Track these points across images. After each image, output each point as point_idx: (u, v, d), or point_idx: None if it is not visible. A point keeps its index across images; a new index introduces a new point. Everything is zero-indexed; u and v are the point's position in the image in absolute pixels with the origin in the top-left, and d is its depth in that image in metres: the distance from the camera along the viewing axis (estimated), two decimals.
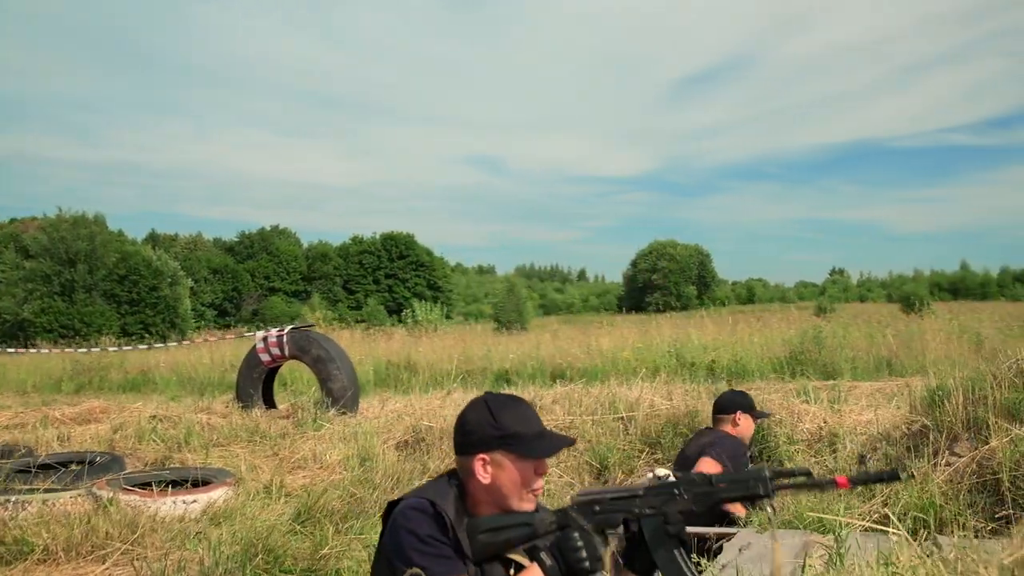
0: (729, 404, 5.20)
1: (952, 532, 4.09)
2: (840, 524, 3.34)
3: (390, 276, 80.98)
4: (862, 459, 2.41)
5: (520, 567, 2.45)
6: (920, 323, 16.42)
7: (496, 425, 2.45)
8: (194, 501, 5.32)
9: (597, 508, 2.42)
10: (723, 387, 8.17)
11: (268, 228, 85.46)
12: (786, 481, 2.37)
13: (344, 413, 8.40)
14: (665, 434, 6.91)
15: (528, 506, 2.48)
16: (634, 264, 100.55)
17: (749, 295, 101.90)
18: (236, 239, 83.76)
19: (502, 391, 3.01)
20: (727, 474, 2.43)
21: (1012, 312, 20.36)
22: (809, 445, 6.20)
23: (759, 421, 5.36)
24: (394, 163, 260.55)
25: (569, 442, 2.56)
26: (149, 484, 5.71)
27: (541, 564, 2.33)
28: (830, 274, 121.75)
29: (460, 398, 9.24)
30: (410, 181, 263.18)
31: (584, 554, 2.32)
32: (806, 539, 4.21)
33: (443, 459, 6.43)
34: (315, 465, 6.35)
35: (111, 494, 5.25)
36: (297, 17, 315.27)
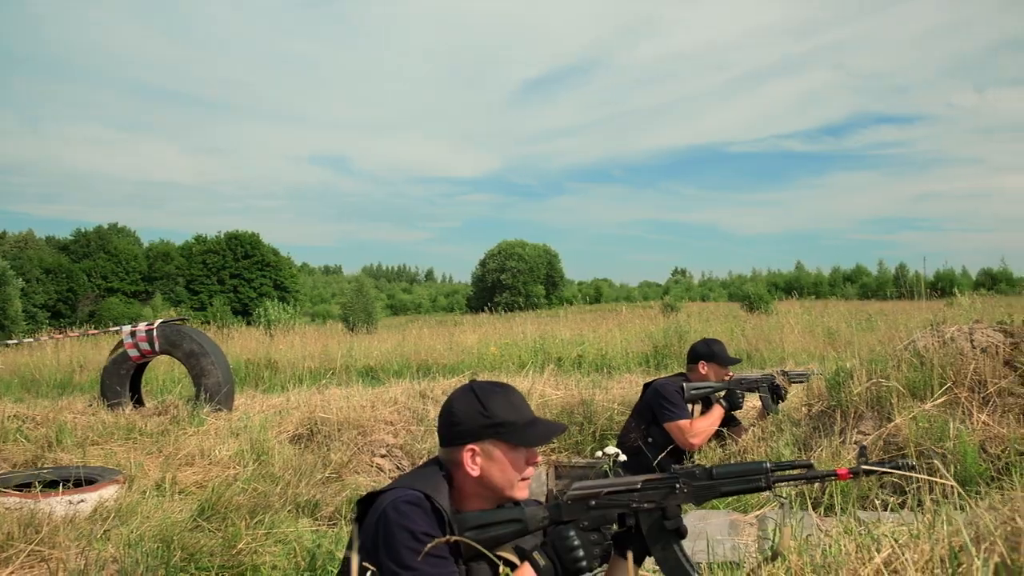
0: (693, 354, 5.53)
1: (866, 507, 4.24)
2: (793, 499, 3.37)
3: (235, 276, 78.60)
4: (862, 451, 2.43)
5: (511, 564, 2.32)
6: (777, 318, 17.19)
7: (486, 413, 2.34)
8: (82, 501, 4.94)
9: (593, 503, 2.33)
10: (597, 380, 8.32)
11: (106, 226, 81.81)
12: (785, 474, 2.38)
13: (219, 410, 8.04)
14: (560, 421, 6.90)
15: (522, 494, 2.38)
16: (483, 264, 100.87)
17: (596, 295, 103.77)
18: (71, 237, 79.73)
19: (487, 379, 2.87)
20: (727, 467, 2.40)
21: (847, 309, 21.53)
22: None
23: (728, 368, 5.52)
24: (238, 161, 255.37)
25: (561, 428, 2.47)
26: (28, 485, 5.31)
27: (534, 564, 2.23)
28: (673, 274, 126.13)
29: (339, 393, 9.00)
30: (255, 179, 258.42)
31: (581, 553, 2.24)
32: (730, 518, 4.27)
33: (344, 451, 6.24)
34: (204, 461, 6.02)
35: None
36: (139, 8, 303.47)
